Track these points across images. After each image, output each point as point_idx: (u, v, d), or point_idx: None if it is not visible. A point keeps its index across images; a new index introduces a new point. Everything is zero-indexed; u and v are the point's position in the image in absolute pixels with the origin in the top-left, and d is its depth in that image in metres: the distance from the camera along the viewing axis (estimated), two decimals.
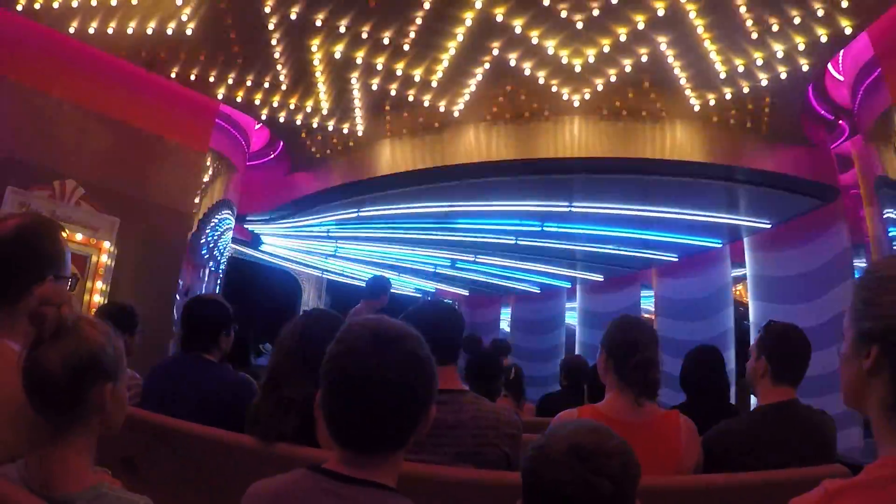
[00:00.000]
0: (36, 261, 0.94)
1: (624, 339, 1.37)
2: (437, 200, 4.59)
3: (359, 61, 3.42)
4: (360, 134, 4.28)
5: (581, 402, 2.15)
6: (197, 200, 4.38)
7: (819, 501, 0.54)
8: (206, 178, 4.45)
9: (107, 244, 3.45)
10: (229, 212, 5.05)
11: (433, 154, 4.02)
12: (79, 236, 3.36)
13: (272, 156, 5.57)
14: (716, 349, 2.07)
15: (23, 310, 0.87)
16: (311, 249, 7.85)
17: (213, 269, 5.05)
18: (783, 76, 3.14)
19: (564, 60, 3.19)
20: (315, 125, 4.24)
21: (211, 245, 4.84)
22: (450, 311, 1.40)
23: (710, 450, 1.35)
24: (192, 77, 3.68)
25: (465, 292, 9.09)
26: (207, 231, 4.65)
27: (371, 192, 4.48)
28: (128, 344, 0.96)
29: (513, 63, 3.31)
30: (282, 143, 5.15)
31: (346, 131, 4.27)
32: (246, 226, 6.24)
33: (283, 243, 7.74)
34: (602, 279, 6.78)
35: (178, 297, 4.18)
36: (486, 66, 3.37)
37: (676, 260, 5.57)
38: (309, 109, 4.00)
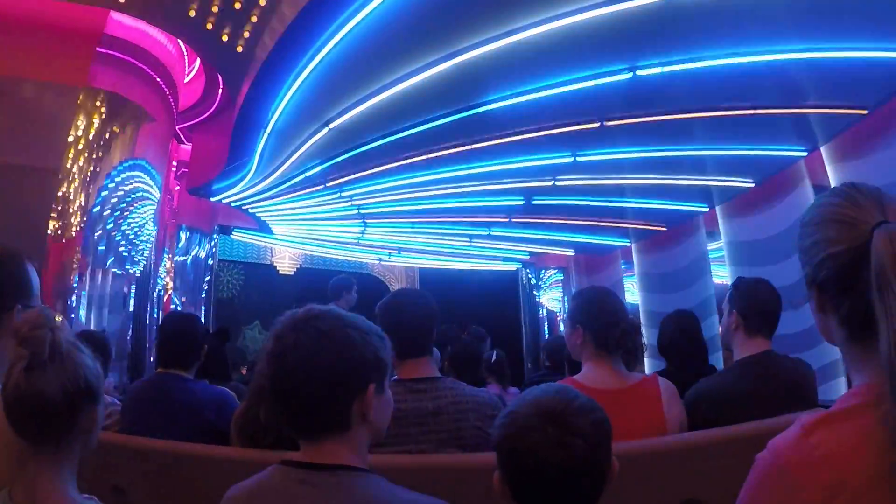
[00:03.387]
0: (1, 291, 1.39)
1: (600, 311, 1.99)
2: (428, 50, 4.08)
3: None
4: None
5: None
6: (80, 157, 4.29)
7: (798, 436, 0.84)
8: (93, 129, 4.43)
9: None
10: (147, 179, 5.14)
11: None
12: None
13: (218, 97, 6.02)
14: (691, 313, 2.81)
15: None
16: (337, 237, 9.30)
17: (135, 272, 5.01)
18: None
19: None
20: None
21: (118, 235, 4.77)
22: (419, 302, 2.03)
23: (692, 409, 1.98)
24: None
25: (571, 252, 9.87)
26: (107, 209, 4.61)
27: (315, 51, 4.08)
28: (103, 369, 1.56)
29: None
30: (221, 78, 5.53)
31: None
32: (220, 199, 7.15)
33: (295, 232, 9.07)
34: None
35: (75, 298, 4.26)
36: None
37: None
38: None
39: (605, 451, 1.08)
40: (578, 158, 5.75)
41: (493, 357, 3.95)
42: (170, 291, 7.03)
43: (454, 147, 5.48)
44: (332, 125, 4.97)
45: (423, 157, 5.65)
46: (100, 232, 4.68)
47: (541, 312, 10.93)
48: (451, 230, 8.96)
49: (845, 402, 0.86)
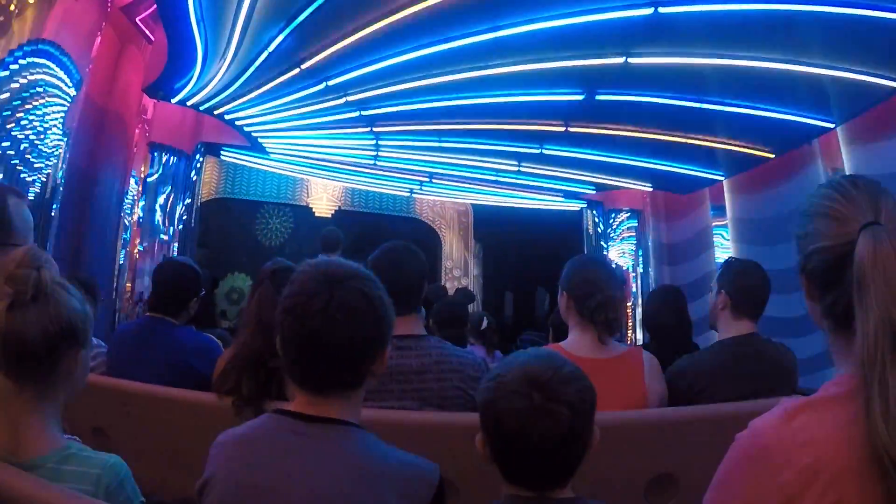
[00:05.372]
0: None
1: (583, 279, 2.66)
2: None
3: None
4: None
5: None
6: None
7: (780, 419, 1.13)
8: None
9: None
10: (56, 70, 5.25)
11: None
12: None
13: None
14: (677, 289, 3.57)
15: None
16: (346, 158, 9.90)
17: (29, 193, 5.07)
18: None
19: None
20: None
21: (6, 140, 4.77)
22: (411, 259, 2.64)
23: (672, 385, 2.65)
24: None
25: (647, 186, 10.20)
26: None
27: None
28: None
29: None
30: None
31: None
32: (183, 100, 7.47)
33: (296, 154, 9.80)
34: None
35: None
36: None
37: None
38: None
39: (588, 419, 1.47)
40: (661, 8, 5.24)
41: (484, 324, 4.97)
42: (136, 224, 7.57)
43: None
44: None
45: (421, 3, 5.35)
46: None
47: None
48: (491, 146, 9.05)
49: (829, 389, 1.17)
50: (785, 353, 2.80)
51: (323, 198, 11.72)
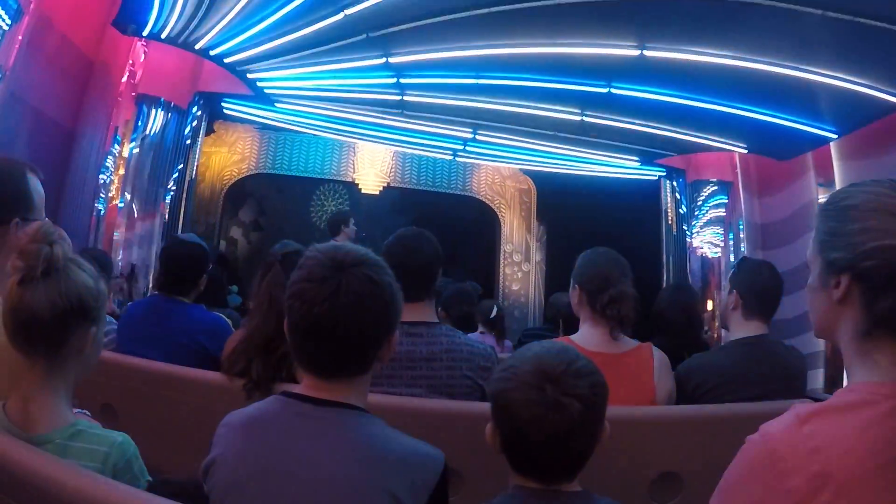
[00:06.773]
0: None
1: (595, 273, 3.35)
2: None
3: None
4: None
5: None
6: None
7: (792, 424, 1.37)
8: None
9: None
10: None
11: None
12: None
13: None
14: (689, 287, 4.60)
15: None
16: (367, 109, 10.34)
17: None
18: None
19: None
20: None
21: None
22: (426, 245, 3.28)
23: (681, 383, 3.36)
24: None
25: (742, 148, 10.39)
26: None
27: None
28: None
29: None
30: None
31: None
32: (153, 32, 7.91)
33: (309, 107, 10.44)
34: None
35: None
36: None
37: None
38: None
39: (599, 414, 1.81)
40: None
41: (493, 312, 6.08)
42: (115, 199, 8.09)
43: None
44: None
45: None
46: None
47: (694, 253, 11.26)
48: (544, 83, 8.73)
49: (843, 397, 1.41)
50: (795, 355, 3.46)
51: (370, 173, 12.95)
